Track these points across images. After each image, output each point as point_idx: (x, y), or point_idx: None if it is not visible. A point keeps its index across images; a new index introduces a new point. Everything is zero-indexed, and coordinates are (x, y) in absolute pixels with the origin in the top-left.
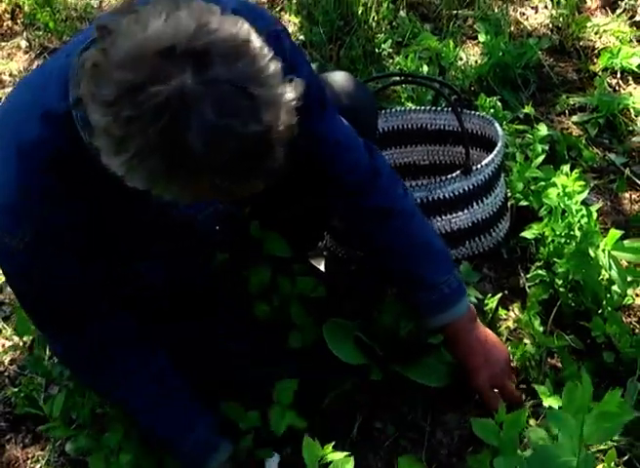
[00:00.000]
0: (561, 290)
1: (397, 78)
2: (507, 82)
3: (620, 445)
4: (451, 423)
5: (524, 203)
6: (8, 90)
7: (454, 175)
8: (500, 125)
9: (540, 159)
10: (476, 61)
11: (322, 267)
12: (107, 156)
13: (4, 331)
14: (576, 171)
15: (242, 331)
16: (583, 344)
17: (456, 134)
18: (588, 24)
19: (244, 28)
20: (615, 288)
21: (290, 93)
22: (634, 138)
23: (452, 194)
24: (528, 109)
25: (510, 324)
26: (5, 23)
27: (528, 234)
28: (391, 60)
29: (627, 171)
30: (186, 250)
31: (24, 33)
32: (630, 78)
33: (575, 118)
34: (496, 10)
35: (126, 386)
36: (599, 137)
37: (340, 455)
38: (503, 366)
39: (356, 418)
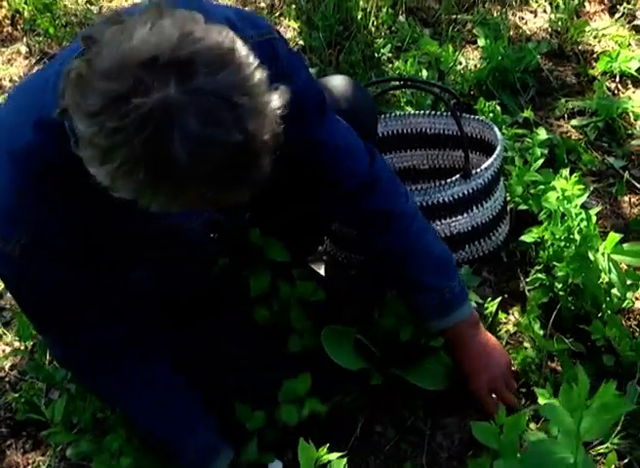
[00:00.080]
0: (561, 293)
1: (396, 82)
2: (506, 86)
3: (621, 447)
4: (451, 427)
5: (523, 207)
6: None
7: (453, 179)
8: (500, 129)
9: (540, 163)
10: (475, 66)
11: (322, 272)
12: (93, 166)
13: (4, 337)
14: (575, 174)
15: (242, 332)
16: (583, 347)
17: (455, 138)
18: (587, 29)
19: (228, 37)
20: (614, 291)
21: (275, 101)
22: (633, 142)
23: (451, 198)
24: (527, 113)
25: (510, 327)
26: (5, 29)
27: (527, 238)
28: (391, 65)
29: (626, 174)
30: (176, 258)
31: (24, 39)
32: (629, 82)
33: (574, 122)
34: (495, 14)
35: (122, 393)
36: (598, 141)
37: (334, 456)
38: (503, 371)
39: (357, 422)
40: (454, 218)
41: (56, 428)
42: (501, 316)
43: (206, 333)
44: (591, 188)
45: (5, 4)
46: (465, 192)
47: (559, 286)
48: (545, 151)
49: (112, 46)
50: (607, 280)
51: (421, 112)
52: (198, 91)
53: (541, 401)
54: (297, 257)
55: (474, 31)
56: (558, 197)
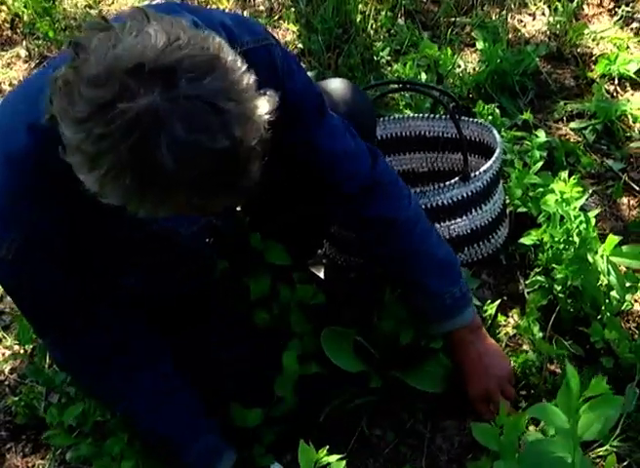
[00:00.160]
0: (560, 295)
1: (395, 86)
2: (505, 89)
3: (621, 450)
4: (450, 430)
5: (522, 209)
6: None
7: (452, 181)
8: (499, 132)
9: (539, 165)
10: (474, 69)
11: (322, 275)
12: (82, 173)
13: (4, 341)
14: (574, 177)
15: (234, 339)
16: (583, 350)
17: (454, 140)
18: (586, 31)
19: (215, 42)
20: (613, 293)
21: (263, 107)
22: (632, 144)
23: (450, 201)
24: (526, 116)
25: (509, 330)
26: (4, 33)
27: (526, 240)
28: (390, 68)
29: (625, 176)
30: (168, 263)
31: (24, 42)
32: (628, 84)
33: (573, 124)
34: (493, 17)
35: (124, 392)
36: (597, 144)
37: (333, 458)
38: (500, 380)
39: (356, 425)
40: (453, 221)
41: (55, 431)
42: (501, 318)
43: (198, 339)
44: (590, 191)
45: (4, 8)
46: (464, 195)
47: (558, 288)
48: (544, 154)
49: (99, 53)
50: (606, 282)
51: (420, 115)
52: (184, 96)
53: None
54: (296, 261)
55: (473, 34)
56: (557, 200)
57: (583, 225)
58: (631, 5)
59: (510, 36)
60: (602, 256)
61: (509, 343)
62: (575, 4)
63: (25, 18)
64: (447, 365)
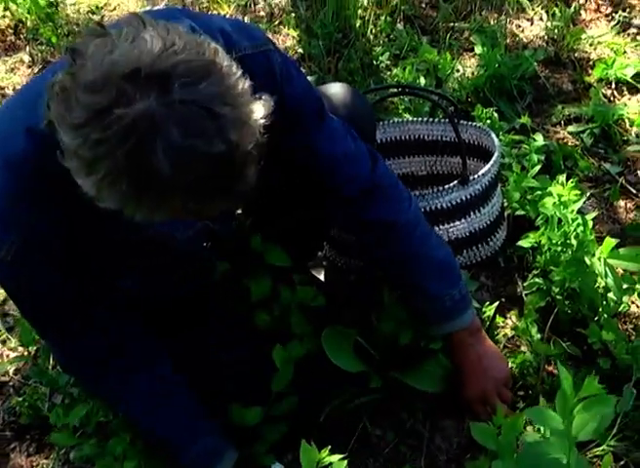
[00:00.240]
0: (558, 297)
1: (395, 90)
2: (503, 93)
3: (617, 450)
4: (449, 430)
5: (521, 212)
6: None
7: (451, 185)
8: (497, 135)
9: (537, 169)
10: (473, 73)
11: (322, 277)
12: (80, 177)
13: (8, 342)
14: (571, 180)
15: (233, 341)
16: (580, 351)
17: (453, 144)
18: (583, 36)
19: (210, 48)
20: (611, 295)
21: (259, 111)
22: (629, 148)
23: (449, 204)
24: (524, 120)
25: (508, 331)
26: (8, 38)
27: (524, 243)
28: (389, 73)
29: (622, 180)
30: (164, 266)
31: (27, 48)
32: (625, 89)
33: (570, 128)
34: (492, 22)
35: (121, 394)
36: (594, 147)
37: (335, 458)
38: (497, 383)
39: (356, 425)
40: (452, 224)
41: (59, 432)
42: (499, 320)
43: (197, 341)
44: (587, 194)
45: (8, 13)
46: (463, 198)
47: (556, 290)
48: (542, 157)
49: (96, 59)
50: (603, 284)
51: (419, 119)
52: (180, 101)
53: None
54: (296, 263)
55: (472, 39)
56: (555, 203)
57: (581, 228)
58: (628, 10)
59: (508, 41)
60: (599, 259)
61: (508, 344)
62: (572, 9)
63: (29, 23)
64: (446, 365)
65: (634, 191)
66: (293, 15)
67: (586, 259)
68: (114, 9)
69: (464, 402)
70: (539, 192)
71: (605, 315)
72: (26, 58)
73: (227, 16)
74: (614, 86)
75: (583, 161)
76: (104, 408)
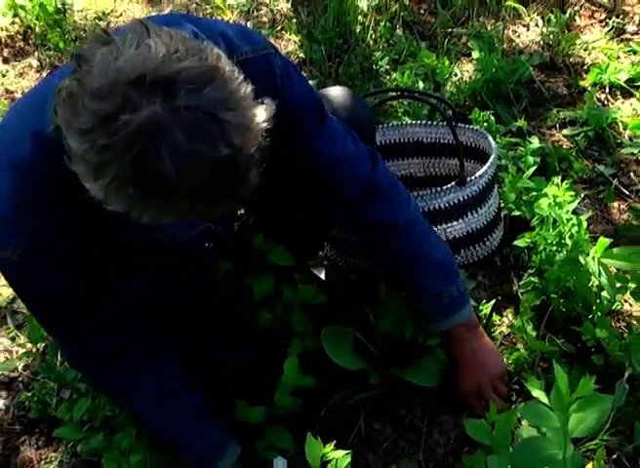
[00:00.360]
0: (553, 296)
1: (394, 93)
2: (500, 97)
3: (610, 444)
4: (447, 424)
5: (517, 213)
6: None
7: (449, 186)
8: (494, 138)
9: (532, 170)
10: (470, 77)
11: (323, 276)
12: (87, 181)
13: (17, 339)
14: (566, 182)
15: (235, 340)
16: (574, 348)
17: (450, 147)
18: (578, 42)
19: (213, 53)
20: (604, 294)
21: (261, 115)
22: (622, 150)
23: (447, 205)
24: (520, 123)
25: (504, 329)
26: (17, 44)
27: (520, 243)
28: (388, 77)
29: (616, 181)
30: (170, 267)
31: (36, 53)
32: (618, 93)
33: (565, 131)
34: (489, 28)
35: (127, 394)
36: (589, 150)
37: (339, 453)
38: (492, 378)
39: (356, 420)
40: (449, 224)
41: (67, 426)
42: (496, 318)
43: (199, 341)
44: (582, 195)
45: (17, 20)
46: (461, 199)
47: (551, 289)
48: (538, 159)
49: (102, 66)
50: (597, 283)
51: (418, 122)
52: (184, 107)
53: (531, 389)
54: (298, 262)
55: (469, 44)
56: (550, 203)
57: (575, 228)
58: (622, 17)
59: (505, 46)
60: (593, 258)
61: (504, 342)
62: (567, 15)
63: (37, 29)
64: (443, 360)
65: (627, 192)
66: (294, 20)
67: (581, 259)
68: (120, 15)
69: (460, 395)
70: (534, 193)
71: (599, 313)
72: (35, 63)
73: (230, 21)
74: (607, 90)
75: (578, 163)
76: (111, 402)
